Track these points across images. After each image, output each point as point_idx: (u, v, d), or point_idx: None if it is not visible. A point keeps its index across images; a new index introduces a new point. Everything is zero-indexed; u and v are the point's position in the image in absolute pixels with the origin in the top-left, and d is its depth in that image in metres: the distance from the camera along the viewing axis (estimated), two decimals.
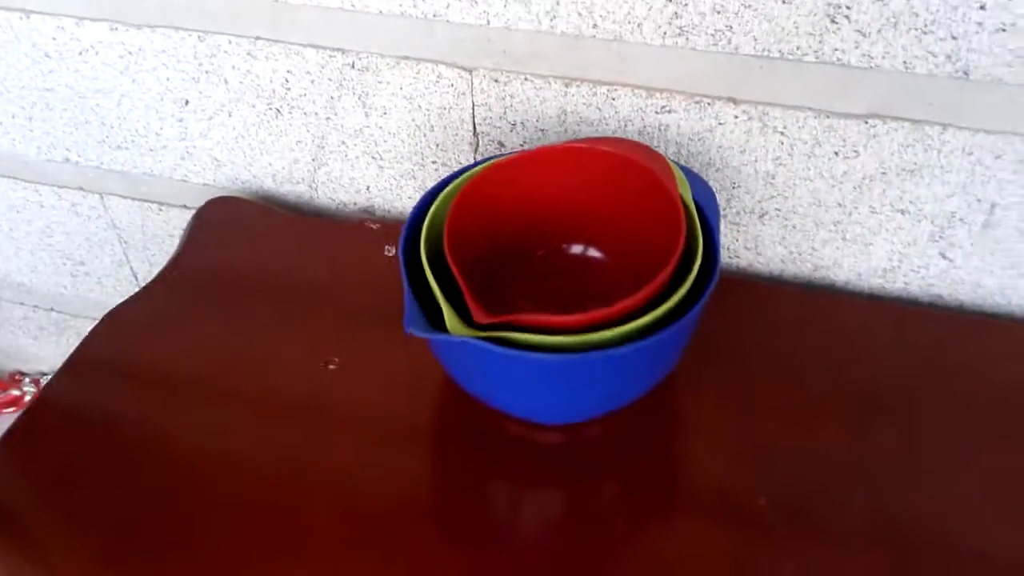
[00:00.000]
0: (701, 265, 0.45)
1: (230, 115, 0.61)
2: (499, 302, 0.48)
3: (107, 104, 0.64)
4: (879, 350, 0.52)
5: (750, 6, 0.47)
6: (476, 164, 0.48)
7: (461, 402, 0.50)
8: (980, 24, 0.44)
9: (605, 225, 0.49)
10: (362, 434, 0.49)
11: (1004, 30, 0.44)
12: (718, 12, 0.47)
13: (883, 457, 0.46)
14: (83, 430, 0.49)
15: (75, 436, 0.49)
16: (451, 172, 0.50)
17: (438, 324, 0.42)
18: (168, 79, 0.61)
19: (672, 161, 0.47)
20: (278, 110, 0.60)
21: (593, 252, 0.51)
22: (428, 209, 0.47)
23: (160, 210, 0.70)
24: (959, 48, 0.45)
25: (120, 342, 0.54)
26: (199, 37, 0.58)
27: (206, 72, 0.59)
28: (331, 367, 0.52)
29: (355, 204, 0.64)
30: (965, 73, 0.46)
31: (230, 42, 0.57)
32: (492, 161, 0.48)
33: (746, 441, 0.47)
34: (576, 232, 0.51)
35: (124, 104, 0.63)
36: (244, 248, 0.60)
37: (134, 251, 0.75)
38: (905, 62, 0.47)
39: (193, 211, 0.64)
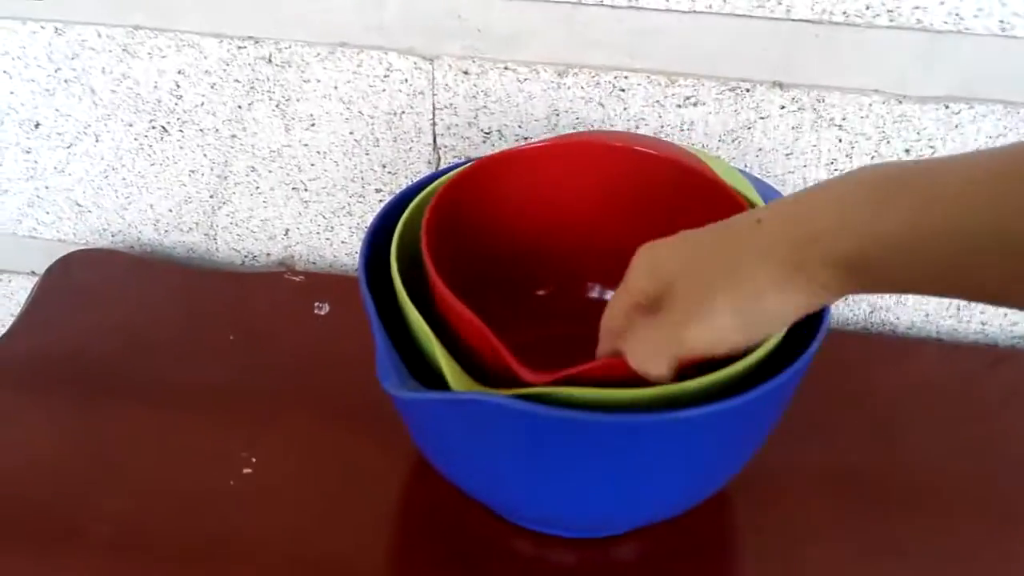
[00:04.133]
0: None
1: (97, 139, 0.47)
2: None
3: None
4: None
5: None
6: (454, 167, 0.35)
7: (443, 514, 0.35)
8: None
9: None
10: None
11: None
12: None
13: None
14: None
15: None
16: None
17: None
18: (12, 92, 0.45)
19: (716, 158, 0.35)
20: (164, 127, 0.45)
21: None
22: (395, 221, 0.33)
23: None
24: None
25: None
26: (56, 30, 0.43)
27: (65, 81, 0.45)
28: (245, 471, 0.36)
29: (268, 255, 0.50)
30: None
31: (99, 35, 0.43)
32: (476, 160, 0.34)
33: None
34: (592, 263, 0.37)
35: None
36: (113, 312, 0.44)
37: None
38: (1002, 20, 0.36)
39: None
